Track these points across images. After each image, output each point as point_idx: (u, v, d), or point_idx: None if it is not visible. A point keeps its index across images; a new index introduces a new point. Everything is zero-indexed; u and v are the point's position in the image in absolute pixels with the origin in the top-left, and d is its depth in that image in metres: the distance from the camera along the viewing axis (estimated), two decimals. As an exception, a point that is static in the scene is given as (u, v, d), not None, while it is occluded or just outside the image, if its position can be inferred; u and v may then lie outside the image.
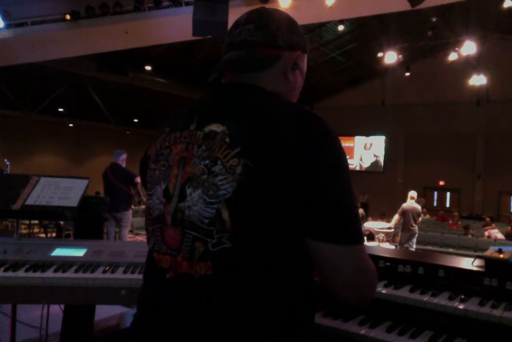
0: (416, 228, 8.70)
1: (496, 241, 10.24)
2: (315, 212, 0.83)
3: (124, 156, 6.42)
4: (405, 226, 8.62)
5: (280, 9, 1.08)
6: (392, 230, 8.76)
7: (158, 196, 0.95)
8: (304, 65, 1.08)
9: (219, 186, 0.85)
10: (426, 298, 1.46)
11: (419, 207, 8.81)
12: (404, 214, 8.58)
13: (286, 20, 1.04)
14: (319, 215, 0.83)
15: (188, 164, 0.90)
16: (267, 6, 1.12)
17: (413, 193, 8.74)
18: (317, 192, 0.83)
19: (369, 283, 0.91)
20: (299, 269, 0.89)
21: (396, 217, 8.84)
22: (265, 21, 1.01)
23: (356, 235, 0.87)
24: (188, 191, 0.89)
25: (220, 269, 0.84)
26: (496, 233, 11.04)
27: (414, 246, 8.74)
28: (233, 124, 0.89)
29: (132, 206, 7.25)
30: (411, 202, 8.67)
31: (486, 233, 11.25)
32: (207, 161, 0.88)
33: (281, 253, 0.85)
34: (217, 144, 0.87)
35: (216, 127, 0.90)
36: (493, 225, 12.22)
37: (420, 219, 8.98)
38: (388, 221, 10.73)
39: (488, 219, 13.07)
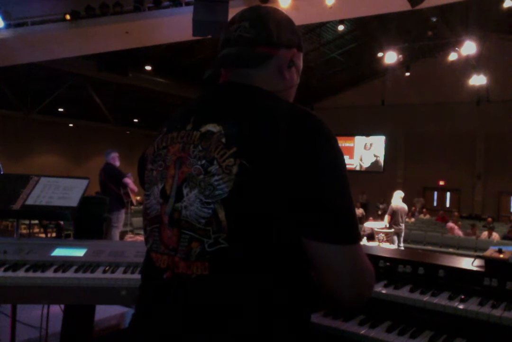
0: (403, 226, 9.00)
1: (496, 241, 10.26)
2: (311, 211, 0.83)
3: (113, 154, 6.39)
4: (393, 225, 8.84)
5: (278, 8, 1.08)
6: (392, 230, 8.84)
7: (155, 196, 0.95)
8: (300, 63, 1.07)
9: (215, 186, 0.84)
10: (426, 298, 1.46)
11: (406, 207, 9.18)
12: (393, 213, 8.81)
13: (281, 18, 1.03)
14: (315, 215, 0.83)
15: (185, 164, 0.90)
16: (264, 5, 1.12)
17: (400, 193, 9.06)
18: (313, 191, 0.83)
19: (366, 282, 0.90)
20: (296, 269, 0.89)
21: (386, 217, 9.13)
22: (260, 18, 1.01)
23: (353, 235, 0.86)
24: (185, 191, 0.89)
25: (216, 269, 0.84)
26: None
27: (402, 245, 9.02)
28: (229, 124, 0.88)
29: (132, 207, 7.21)
30: (399, 201, 8.87)
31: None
32: (203, 162, 0.87)
33: (278, 253, 0.85)
34: (213, 144, 0.87)
35: (212, 127, 0.90)
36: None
37: (405, 218, 9.33)
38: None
39: (490, 219, 13.10)
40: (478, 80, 13.28)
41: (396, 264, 1.65)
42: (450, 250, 10.46)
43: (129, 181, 6.26)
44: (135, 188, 6.32)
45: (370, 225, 10.79)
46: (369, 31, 14.31)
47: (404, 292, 1.52)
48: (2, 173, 2.64)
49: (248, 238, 0.84)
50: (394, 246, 8.68)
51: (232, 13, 5.17)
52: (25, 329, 2.55)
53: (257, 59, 0.99)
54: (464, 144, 17.44)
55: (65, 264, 1.87)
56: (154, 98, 16.11)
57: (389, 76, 16.26)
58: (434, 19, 12.47)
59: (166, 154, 0.95)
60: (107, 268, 1.85)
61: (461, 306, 1.39)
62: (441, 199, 18.82)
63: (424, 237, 11.40)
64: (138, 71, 13.45)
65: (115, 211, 6.19)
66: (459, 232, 11.57)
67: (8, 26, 7.15)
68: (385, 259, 1.68)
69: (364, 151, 19.87)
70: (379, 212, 16.22)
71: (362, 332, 1.39)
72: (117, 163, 6.45)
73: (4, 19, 7.03)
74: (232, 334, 0.83)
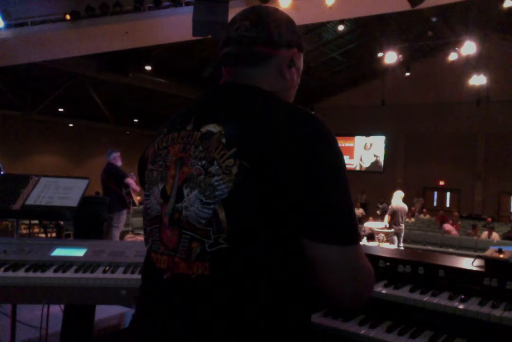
0: (403, 226, 9.02)
1: (496, 241, 10.26)
2: (311, 212, 0.83)
3: (115, 154, 6.37)
4: (393, 225, 8.85)
5: (279, 8, 1.08)
6: (392, 230, 8.84)
7: (156, 197, 0.95)
8: (300, 63, 1.07)
9: (215, 186, 0.84)
10: (426, 298, 1.46)
11: (406, 207, 9.19)
12: (393, 213, 8.81)
13: (282, 18, 1.04)
14: (315, 216, 0.83)
15: (185, 164, 0.90)
16: (265, 5, 1.12)
17: (400, 193, 9.07)
18: (313, 192, 0.82)
19: (366, 283, 0.90)
20: (296, 269, 0.89)
21: (386, 218, 9.15)
22: (262, 18, 1.01)
23: (353, 235, 0.86)
24: (185, 191, 0.89)
25: (217, 269, 0.84)
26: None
27: (402, 245, 9.04)
28: (230, 124, 0.88)
29: (132, 207, 7.21)
30: (399, 201, 8.90)
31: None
32: (203, 162, 0.87)
33: (278, 253, 0.85)
34: (213, 144, 0.87)
35: (212, 128, 0.90)
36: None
37: (405, 218, 9.37)
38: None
39: (489, 219, 13.11)
40: (478, 80, 13.28)
41: (396, 264, 1.65)
42: (450, 250, 10.47)
43: (131, 181, 6.24)
44: (137, 188, 6.30)
45: (370, 225, 10.79)
46: (369, 31, 14.31)
47: (404, 292, 1.52)
48: (2, 173, 2.65)
49: (248, 239, 0.84)
50: (394, 246, 8.68)
51: (232, 13, 5.17)
52: (25, 329, 2.55)
53: (256, 58, 0.99)
54: (464, 144, 17.45)
55: (65, 264, 1.87)
56: (154, 98, 16.11)
57: (389, 76, 16.25)
58: (434, 19, 12.47)
59: (167, 155, 0.95)
60: (107, 268, 1.85)
61: (461, 306, 1.39)
62: (441, 199, 18.83)
63: (424, 237, 11.40)
64: (138, 71, 13.45)
65: (116, 211, 6.18)
66: (456, 233, 11.60)
67: (8, 26, 7.13)
68: (385, 259, 1.68)
69: (364, 151, 19.87)
70: (378, 212, 16.23)
71: (362, 332, 1.40)
72: (119, 163, 6.43)
73: (4, 19, 7.02)
74: (233, 334, 0.83)
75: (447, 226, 11.92)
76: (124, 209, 6.37)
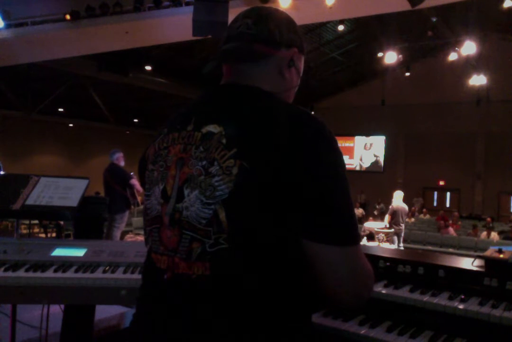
0: (403, 227, 9.03)
1: (496, 241, 10.26)
2: (311, 212, 0.83)
3: (118, 155, 6.33)
4: (393, 225, 8.86)
5: (280, 9, 1.08)
6: (392, 230, 8.85)
7: (156, 197, 0.95)
8: (300, 64, 1.07)
9: (215, 187, 0.85)
10: (426, 298, 1.46)
11: (406, 207, 9.19)
12: (393, 213, 8.81)
13: (284, 18, 1.04)
14: (315, 216, 0.83)
15: (186, 165, 0.90)
16: (267, 6, 1.13)
17: (401, 193, 9.09)
18: (313, 192, 0.83)
19: (365, 283, 0.90)
20: (296, 269, 0.89)
21: (387, 217, 9.15)
22: (264, 17, 1.01)
23: (352, 236, 0.86)
24: (186, 191, 0.89)
25: (217, 269, 0.84)
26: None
27: (402, 245, 9.05)
28: (230, 125, 0.89)
29: (132, 207, 7.18)
30: (400, 201, 8.92)
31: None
32: (204, 162, 0.88)
33: (278, 253, 0.85)
34: (214, 145, 0.87)
35: (213, 128, 0.90)
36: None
37: (405, 218, 9.38)
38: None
39: (489, 219, 13.11)
40: (478, 80, 13.29)
41: (396, 264, 1.65)
42: (450, 250, 10.46)
43: (135, 182, 6.21)
44: (141, 189, 6.28)
45: (370, 225, 10.79)
46: (369, 31, 14.31)
47: (404, 292, 1.52)
48: (2, 172, 2.65)
49: (248, 239, 0.84)
50: (394, 246, 8.69)
51: (232, 13, 5.17)
52: (25, 329, 2.55)
53: (256, 56, 0.99)
54: (464, 144, 17.45)
55: (65, 264, 1.87)
56: (154, 98, 16.11)
57: (389, 76, 16.24)
58: (434, 19, 12.46)
59: (167, 155, 0.95)
60: (107, 268, 1.85)
61: (461, 306, 1.39)
62: (441, 199, 18.83)
63: (424, 237, 11.40)
64: (138, 71, 13.46)
65: (120, 212, 6.15)
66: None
67: (8, 26, 7.13)
68: (385, 259, 1.68)
69: (364, 151, 19.87)
70: (375, 213, 16.24)
71: (362, 332, 1.40)
72: (122, 163, 6.38)
73: (4, 19, 7.02)
74: (233, 334, 0.83)
75: (451, 231, 11.75)
76: (127, 209, 6.35)
